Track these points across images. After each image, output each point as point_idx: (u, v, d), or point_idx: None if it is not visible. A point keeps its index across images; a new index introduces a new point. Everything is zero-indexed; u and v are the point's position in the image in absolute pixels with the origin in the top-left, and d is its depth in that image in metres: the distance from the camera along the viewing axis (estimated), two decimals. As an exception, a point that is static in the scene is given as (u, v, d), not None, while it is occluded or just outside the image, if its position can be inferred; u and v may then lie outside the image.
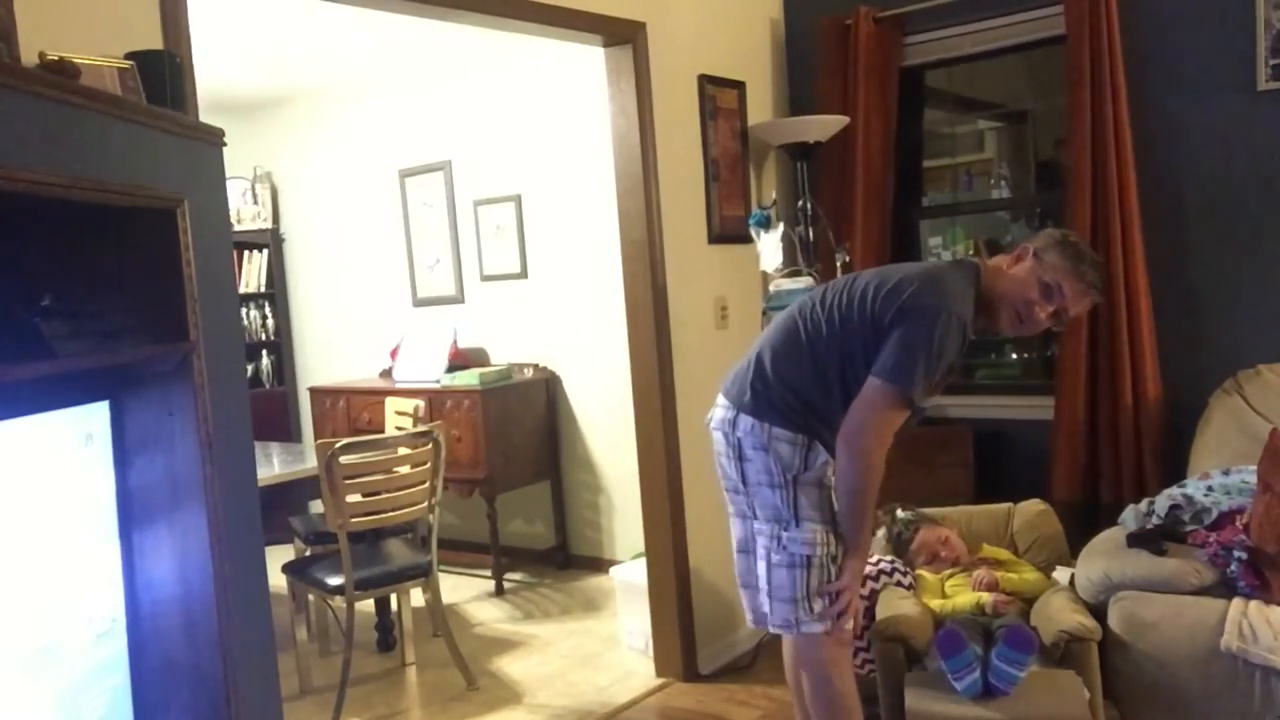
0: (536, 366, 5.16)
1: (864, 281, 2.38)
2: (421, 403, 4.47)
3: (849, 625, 2.44)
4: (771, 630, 2.45)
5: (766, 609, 2.40)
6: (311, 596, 3.85)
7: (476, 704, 3.59)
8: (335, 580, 3.49)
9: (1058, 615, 2.59)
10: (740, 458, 2.38)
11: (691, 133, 3.72)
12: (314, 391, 5.69)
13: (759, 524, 2.39)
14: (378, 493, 3.52)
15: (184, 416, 1.63)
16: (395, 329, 5.74)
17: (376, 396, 5.12)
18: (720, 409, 2.45)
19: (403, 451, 3.67)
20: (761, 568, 2.39)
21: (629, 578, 3.91)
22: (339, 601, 3.51)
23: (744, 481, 2.39)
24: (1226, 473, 2.88)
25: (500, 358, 5.34)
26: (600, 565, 4.93)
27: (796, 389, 2.34)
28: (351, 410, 5.36)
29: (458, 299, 5.53)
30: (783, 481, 2.34)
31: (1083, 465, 3.45)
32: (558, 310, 5.13)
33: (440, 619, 3.78)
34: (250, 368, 6.28)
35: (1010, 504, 3.15)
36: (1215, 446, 3.07)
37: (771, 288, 3.77)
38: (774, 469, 2.34)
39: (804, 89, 4.13)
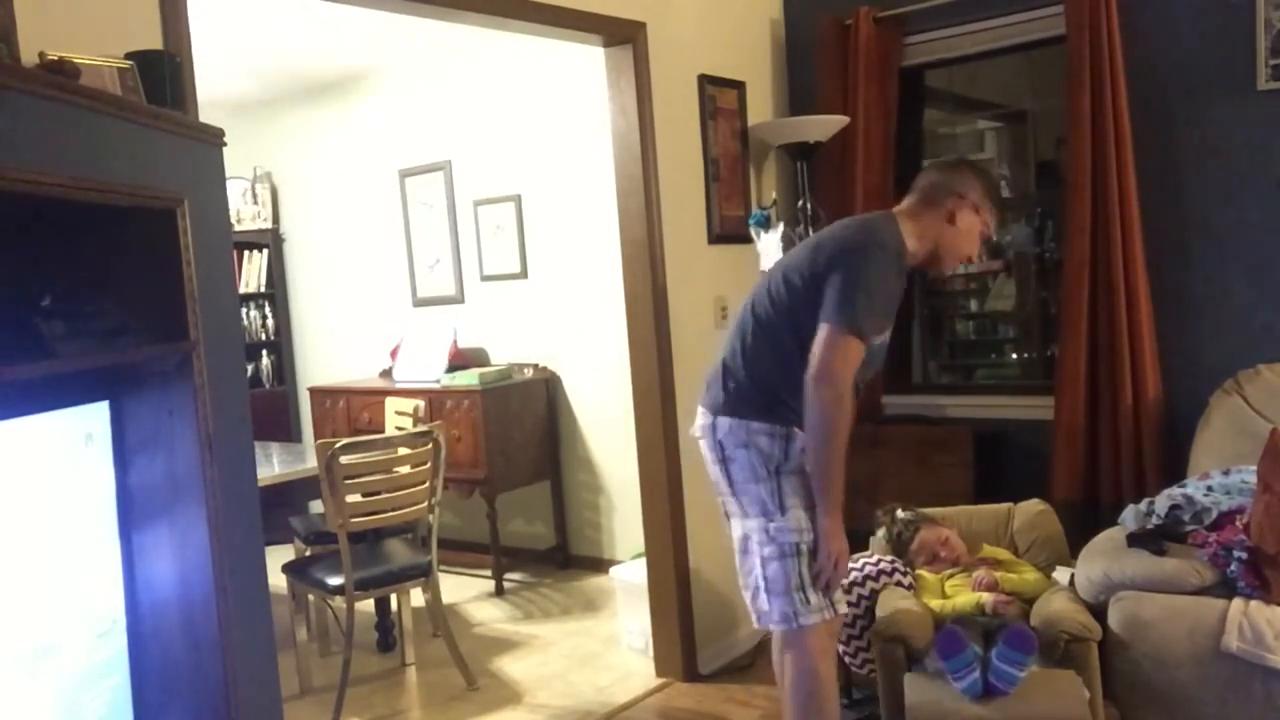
0: (536, 366, 5.16)
1: (797, 253, 2.48)
2: (421, 403, 4.47)
3: (841, 604, 2.42)
4: (772, 628, 2.43)
5: (766, 606, 2.39)
6: (311, 596, 3.85)
7: (476, 704, 3.59)
8: (335, 580, 3.49)
9: (1058, 615, 2.59)
10: (724, 459, 2.42)
11: (691, 133, 3.72)
12: (314, 391, 5.69)
13: (750, 521, 2.40)
14: (378, 493, 3.52)
15: (184, 416, 1.63)
16: (395, 329, 5.74)
17: (376, 396, 5.12)
18: (700, 417, 2.50)
19: (403, 451, 3.67)
20: (756, 564, 2.39)
21: (629, 578, 3.91)
22: (339, 601, 3.51)
23: (731, 482, 2.42)
24: (1226, 473, 2.88)
25: (500, 358, 5.34)
26: (600, 565, 4.93)
27: (764, 380, 2.39)
28: (351, 410, 5.36)
29: (458, 299, 5.53)
30: (766, 474, 2.37)
31: (1083, 465, 3.45)
32: (558, 310, 5.13)
33: (440, 619, 3.78)
34: (250, 368, 6.28)
35: (1010, 504, 3.15)
36: (1215, 446, 3.06)
37: (771, 288, 3.77)
38: (756, 463, 2.37)
39: (804, 89, 4.13)
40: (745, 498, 2.40)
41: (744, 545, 2.45)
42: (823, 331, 2.28)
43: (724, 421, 2.41)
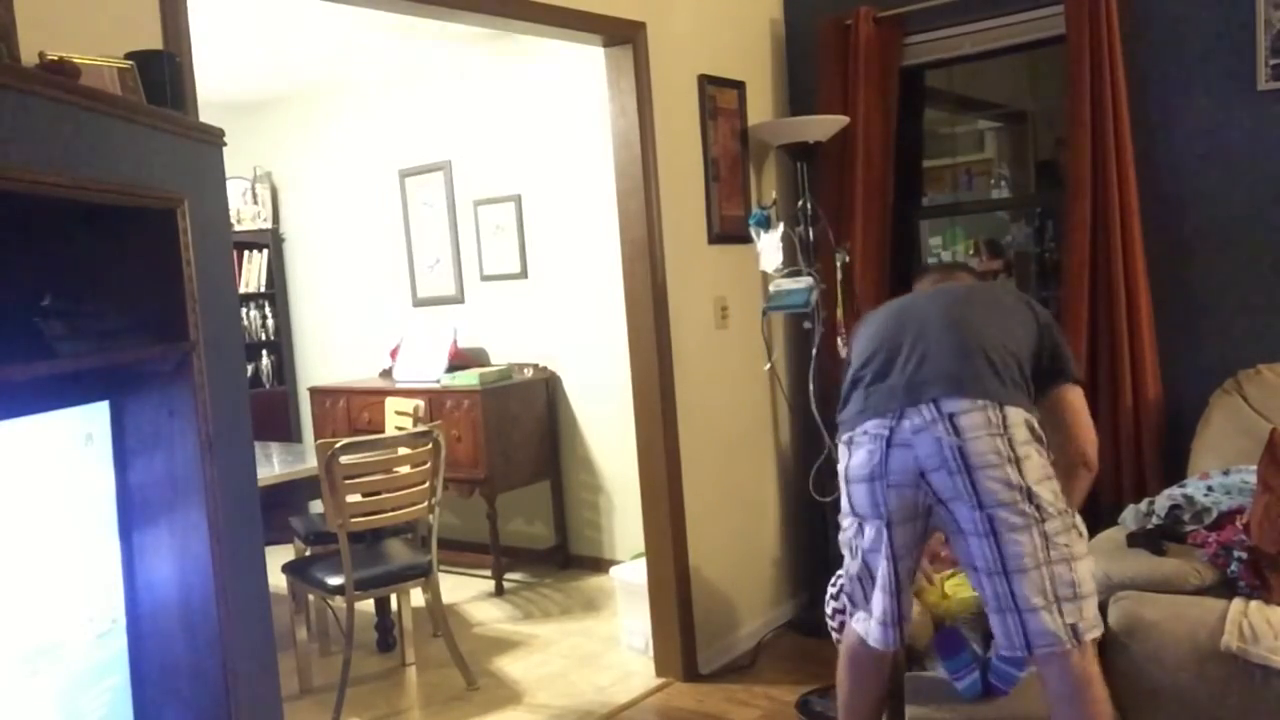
0: (536, 366, 5.16)
1: (1008, 295, 2.57)
2: (421, 403, 4.47)
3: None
4: (1086, 640, 2.14)
5: (1081, 615, 2.14)
6: (311, 596, 3.85)
7: (476, 704, 3.59)
8: (335, 580, 3.49)
9: (1058, 615, 2.59)
10: (1015, 458, 2.12)
11: (691, 133, 3.72)
12: (314, 391, 5.69)
13: (1051, 523, 2.13)
14: (378, 493, 3.52)
15: (184, 416, 1.64)
16: (395, 329, 5.74)
17: (376, 396, 5.12)
18: (968, 415, 2.14)
19: (403, 451, 3.67)
20: (1067, 569, 2.14)
21: (629, 578, 3.91)
22: (339, 601, 3.51)
23: (1025, 484, 2.11)
24: (1226, 473, 2.88)
25: (500, 358, 5.34)
26: (600, 565, 4.93)
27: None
28: (351, 410, 5.36)
29: (458, 299, 5.53)
30: (1051, 472, 2.19)
31: (1083, 465, 3.45)
32: (558, 310, 5.13)
33: (440, 619, 3.78)
34: (250, 368, 6.28)
35: (1010, 504, 3.14)
36: (1215, 446, 3.06)
37: (771, 288, 3.77)
38: (1046, 460, 2.18)
39: (804, 89, 4.13)
40: (1041, 499, 2.12)
41: (1043, 556, 2.13)
42: (1078, 394, 2.40)
43: (1016, 413, 2.15)
